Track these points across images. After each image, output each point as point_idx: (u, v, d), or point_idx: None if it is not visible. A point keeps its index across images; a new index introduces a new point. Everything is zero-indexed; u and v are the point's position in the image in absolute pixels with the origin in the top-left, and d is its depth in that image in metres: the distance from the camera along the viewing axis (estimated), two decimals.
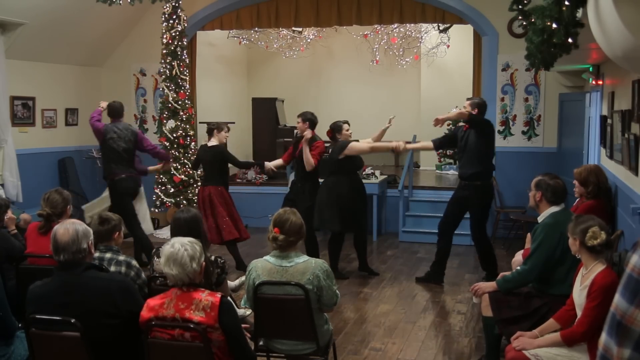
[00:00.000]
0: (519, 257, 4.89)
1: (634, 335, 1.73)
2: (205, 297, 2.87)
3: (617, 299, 1.80)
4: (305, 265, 3.46)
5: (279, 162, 7.10)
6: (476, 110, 6.20)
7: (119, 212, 6.69)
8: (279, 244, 3.45)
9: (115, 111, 6.86)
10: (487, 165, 6.27)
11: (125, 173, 6.72)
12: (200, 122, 10.00)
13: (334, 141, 6.60)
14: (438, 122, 6.04)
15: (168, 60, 8.45)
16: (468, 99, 6.43)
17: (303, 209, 6.24)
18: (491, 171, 6.38)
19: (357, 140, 6.69)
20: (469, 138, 6.21)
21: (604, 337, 1.84)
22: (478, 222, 6.34)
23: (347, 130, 6.57)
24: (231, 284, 4.47)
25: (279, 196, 9.26)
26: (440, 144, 6.62)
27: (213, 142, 6.75)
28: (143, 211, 7.43)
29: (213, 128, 6.77)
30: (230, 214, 6.77)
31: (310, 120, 6.66)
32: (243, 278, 4.38)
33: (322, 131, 12.40)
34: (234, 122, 10.43)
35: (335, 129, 6.60)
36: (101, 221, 3.82)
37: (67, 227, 3.06)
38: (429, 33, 11.12)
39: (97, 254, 3.71)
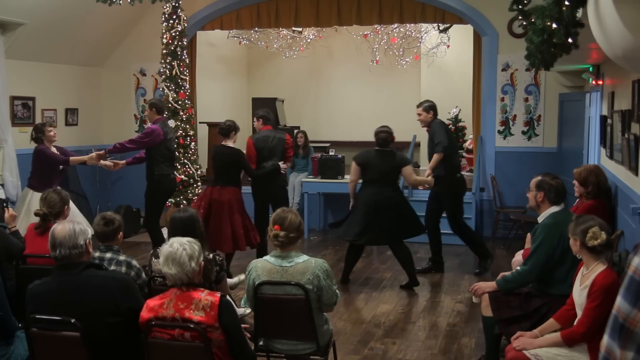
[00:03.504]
0: (519, 257, 4.89)
1: (637, 338, 1.73)
2: (205, 296, 2.87)
3: (620, 302, 1.80)
4: (305, 265, 3.46)
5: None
6: (431, 113, 6.67)
7: (157, 211, 6.73)
8: (281, 240, 3.45)
9: (162, 108, 6.88)
10: (449, 163, 6.62)
11: (172, 173, 6.89)
12: (200, 122, 10.00)
13: (386, 146, 6.31)
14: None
15: (168, 60, 8.45)
16: (418, 106, 6.77)
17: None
18: (455, 167, 6.77)
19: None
20: (430, 141, 6.72)
21: (606, 339, 1.83)
22: (452, 217, 6.79)
23: None
24: (230, 281, 4.47)
25: None
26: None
27: (229, 142, 6.53)
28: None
29: (231, 130, 6.51)
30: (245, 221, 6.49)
31: (263, 117, 6.88)
32: (242, 276, 4.38)
33: (322, 130, 12.28)
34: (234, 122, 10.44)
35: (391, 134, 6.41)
36: (106, 222, 3.82)
37: (64, 225, 3.09)
38: (429, 33, 11.11)
39: (97, 254, 3.71)
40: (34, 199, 6.04)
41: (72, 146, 9.09)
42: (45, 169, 6.38)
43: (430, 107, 6.69)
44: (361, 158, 6.31)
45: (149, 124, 6.90)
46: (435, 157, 6.54)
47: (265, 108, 7.25)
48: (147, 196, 6.78)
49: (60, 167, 6.58)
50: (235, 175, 6.49)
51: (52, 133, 6.49)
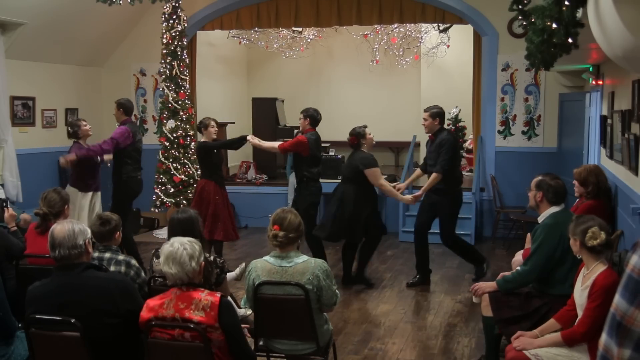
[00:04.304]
0: (519, 257, 4.90)
1: (634, 336, 1.73)
2: (205, 296, 2.87)
3: (617, 300, 1.80)
4: (304, 266, 3.46)
5: (272, 144, 6.75)
6: (437, 120, 6.30)
7: (125, 213, 6.71)
8: (280, 240, 3.45)
9: (130, 109, 6.94)
10: (451, 177, 6.28)
11: (139, 174, 6.88)
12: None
13: (358, 148, 6.35)
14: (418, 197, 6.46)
15: (168, 60, 8.45)
16: (426, 110, 6.39)
17: (302, 209, 6.26)
18: (456, 181, 6.42)
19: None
20: (434, 152, 6.30)
21: (604, 337, 1.84)
22: (446, 230, 6.41)
23: (370, 134, 6.39)
24: (231, 274, 4.46)
25: (279, 196, 9.28)
26: (426, 168, 6.58)
27: (202, 138, 6.76)
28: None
29: (200, 127, 6.78)
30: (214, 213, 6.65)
31: (311, 116, 6.58)
32: (243, 265, 4.38)
33: (322, 130, 12.39)
34: (234, 122, 10.45)
35: (359, 135, 6.32)
36: (102, 222, 3.82)
37: (63, 225, 3.08)
38: (429, 33, 11.11)
39: (96, 254, 3.71)
40: (85, 198, 6.52)
41: None
42: (83, 170, 6.50)
43: (437, 114, 6.26)
44: None
45: (116, 125, 6.96)
46: (434, 177, 6.19)
47: (314, 108, 6.76)
48: (114, 198, 6.80)
49: (98, 161, 6.66)
50: (203, 167, 6.76)
51: (87, 127, 6.70)
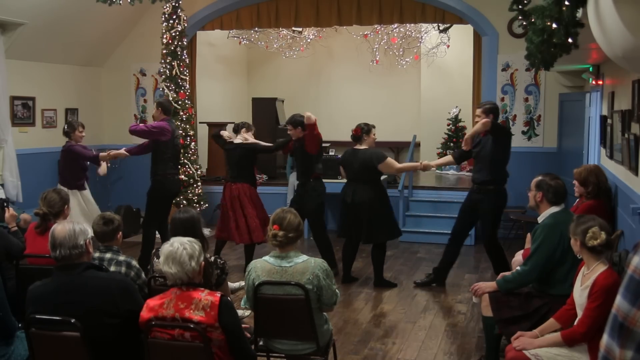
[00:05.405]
0: (519, 257, 4.90)
1: (636, 337, 1.73)
2: (205, 296, 2.87)
3: (619, 301, 1.80)
4: (304, 265, 3.46)
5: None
6: (491, 116, 5.98)
7: (163, 214, 6.73)
8: (279, 240, 3.46)
9: (169, 108, 6.91)
10: (501, 172, 6.05)
11: (177, 173, 6.92)
12: (200, 122, 10.01)
13: (358, 141, 6.35)
14: (468, 143, 5.93)
15: (168, 60, 8.45)
16: (479, 107, 6.17)
17: (310, 210, 6.25)
18: (505, 178, 6.13)
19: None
20: (485, 144, 6.04)
21: (605, 338, 1.84)
22: (487, 228, 6.10)
23: (374, 134, 6.37)
24: (232, 285, 4.46)
25: (279, 196, 9.27)
26: (460, 157, 6.47)
27: (239, 139, 6.72)
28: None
29: (242, 127, 6.81)
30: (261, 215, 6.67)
31: (297, 122, 6.54)
32: (243, 283, 4.39)
33: (322, 130, 12.41)
34: (233, 122, 10.44)
35: (364, 130, 6.30)
36: (105, 222, 3.82)
37: (64, 225, 3.09)
38: (429, 33, 11.12)
39: (97, 254, 3.71)
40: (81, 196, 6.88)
41: None
42: (75, 167, 6.83)
43: (490, 110, 5.99)
44: (342, 157, 6.57)
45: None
46: (448, 159, 6.44)
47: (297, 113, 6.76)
48: (148, 196, 6.77)
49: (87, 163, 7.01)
50: (249, 170, 6.74)
51: (82, 134, 6.98)
